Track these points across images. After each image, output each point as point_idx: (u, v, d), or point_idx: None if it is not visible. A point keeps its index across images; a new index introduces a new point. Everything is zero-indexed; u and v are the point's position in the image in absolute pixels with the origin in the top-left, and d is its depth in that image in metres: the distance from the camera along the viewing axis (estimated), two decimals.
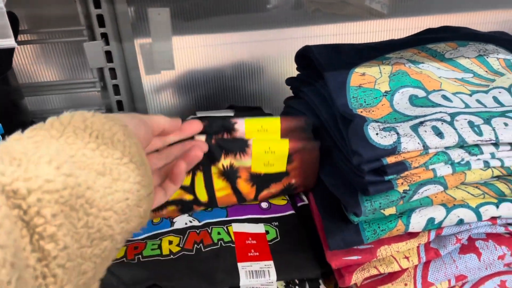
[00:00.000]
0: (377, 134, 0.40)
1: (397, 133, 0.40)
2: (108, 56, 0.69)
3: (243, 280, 0.43)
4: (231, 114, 0.65)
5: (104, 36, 0.67)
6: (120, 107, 0.73)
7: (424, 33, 0.62)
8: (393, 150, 0.39)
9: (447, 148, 0.40)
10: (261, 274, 0.44)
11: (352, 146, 0.40)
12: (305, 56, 0.58)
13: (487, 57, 0.51)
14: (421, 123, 0.41)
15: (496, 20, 0.81)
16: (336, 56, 0.55)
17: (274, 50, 0.80)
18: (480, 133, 0.39)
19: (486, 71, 0.49)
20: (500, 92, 0.46)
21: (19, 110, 0.66)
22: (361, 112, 0.44)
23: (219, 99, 0.82)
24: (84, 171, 0.25)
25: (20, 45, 0.69)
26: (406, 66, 0.50)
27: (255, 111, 0.68)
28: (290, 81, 0.63)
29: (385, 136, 0.40)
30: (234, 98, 0.83)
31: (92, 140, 0.27)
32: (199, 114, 0.66)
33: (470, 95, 0.46)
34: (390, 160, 0.39)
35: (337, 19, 0.78)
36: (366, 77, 0.49)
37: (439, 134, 0.39)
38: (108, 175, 0.27)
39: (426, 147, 0.39)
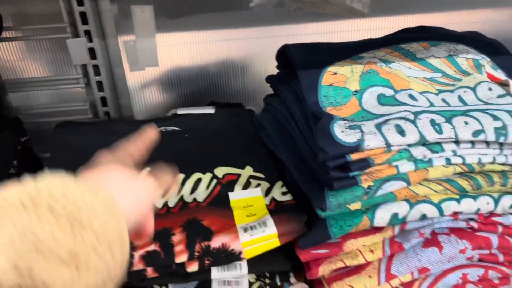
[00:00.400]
0: (342, 131, 0.42)
1: (362, 131, 0.41)
2: (92, 53, 0.70)
3: (215, 273, 0.45)
4: (212, 111, 0.67)
5: (88, 33, 0.68)
6: (104, 103, 0.74)
7: (400, 33, 0.63)
8: (357, 147, 0.40)
9: (409, 145, 0.41)
10: (233, 267, 0.45)
11: (318, 143, 0.42)
12: (284, 55, 0.59)
13: (457, 57, 0.52)
14: (386, 121, 0.42)
15: (476, 19, 0.82)
16: (312, 55, 0.56)
17: (257, 48, 0.81)
18: (440, 131, 0.41)
19: (455, 71, 0.51)
20: (465, 92, 0.47)
21: (3, 106, 0.67)
22: (330, 110, 0.46)
23: (203, 96, 0.83)
24: (46, 257, 0.22)
25: (4, 42, 0.70)
26: (377, 66, 0.51)
27: (235, 107, 0.70)
28: (269, 79, 0.64)
29: (349, 134, 0.41)
30: (218, 95, 0.84)
31: (68, 217, 0.24)
32: (180, 111, 0.67)
33: (437, 94, 0.47)
34: (354, 157, 0.41)
35: (319, 17, 0.79)
36: (338, 76, 0.50)
37: (401, 132, 0.41)
38: (72, 265, 0.23)
39: (388, 145, 0.40)
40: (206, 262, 0.44)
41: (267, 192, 0.51)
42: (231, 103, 0.72)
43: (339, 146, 0.41)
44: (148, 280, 0.44)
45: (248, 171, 0.54)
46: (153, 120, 0.64)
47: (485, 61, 0.51)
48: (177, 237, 0.44)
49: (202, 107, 0.67)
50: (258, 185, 0.52)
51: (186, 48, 0.79)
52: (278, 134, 0.56)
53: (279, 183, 0.52)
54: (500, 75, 0.50)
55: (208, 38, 0.78)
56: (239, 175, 0.53)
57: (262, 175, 0.54)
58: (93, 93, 0.74)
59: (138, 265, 0.43)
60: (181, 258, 0.43)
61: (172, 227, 0.45)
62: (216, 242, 0.44)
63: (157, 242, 0.44)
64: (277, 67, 0.64)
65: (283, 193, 0.51)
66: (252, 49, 0.81)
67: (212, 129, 0.61)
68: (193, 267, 0.44)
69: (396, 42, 0.58)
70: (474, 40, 0.57)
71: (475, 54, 0.53)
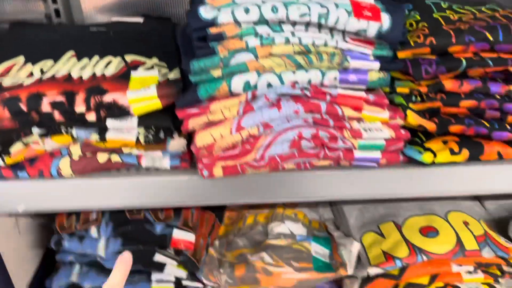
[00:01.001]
0: (206, 11, 0.54)
1: (219, 11, 0.54)
2: None
3: (110, 123, 0.58)
4: (141, 20, 0.79)
5: None
6: (58, 15, 0.87)
7: None
8: (213, 22, 0.53)
9: (255, 24, 0.54)
10: (125, 119, 0.59)
11: (187, 19, 0.54)
12: None
13: None
14: (240, 6, 0.54)
15: None
16: None
17: None
18: (275, 12, 0.53)
19: None
20: None
21: None
22: (208, 2, 0.58)
23: None
24: None
25: None
26: None
27: (164, 21, 0.82)
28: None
29: (209, 13, 0.54)
30: None
31: None
32: (114, 19, 0.80)
33: None
34: (212, 30, 0.53)
35: None
36: None
37: (247, 10, 0.53)
38: None
39: (236, 21, 0.53)
40: (102, 113, 0.58)
41: (164, 75, 0.64)
42: (161, 17, 0.84)
43: (201, 21, 0.53)
44: (57, 123, 0.58)
45: (153, 60, 0.67)
46: (91, 25, 0.77)
47: None
48: (79, 95, 0.58)
49: (133, 17, 0.80)
50: (158, 70, 0.65)
51: None
52: (183, 30, 0.69)
53: (177, 69, 0.65)
54: None
55: None
56: (145, 62, 0.66)
57: (165, 64, 0.66)
58: (48, 6, 0.86)
59: (47, 108, 0.56)
60: (80, 108, 0.57)
61: (79, 90, 0.59)
62: (107, 98, 0.57)
63: (63, 96, 0.57)
64: None
65: (176, 75, 0.63)
66: None
67: (135, 32, 0.74)
68: (91, 116, 0.58)
69: None
70: None
71: None
